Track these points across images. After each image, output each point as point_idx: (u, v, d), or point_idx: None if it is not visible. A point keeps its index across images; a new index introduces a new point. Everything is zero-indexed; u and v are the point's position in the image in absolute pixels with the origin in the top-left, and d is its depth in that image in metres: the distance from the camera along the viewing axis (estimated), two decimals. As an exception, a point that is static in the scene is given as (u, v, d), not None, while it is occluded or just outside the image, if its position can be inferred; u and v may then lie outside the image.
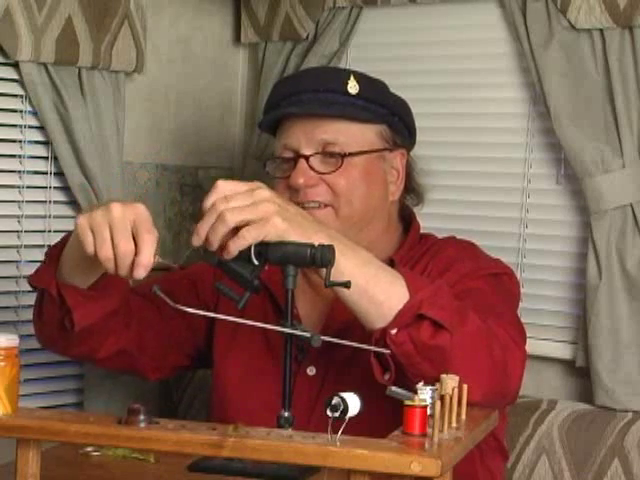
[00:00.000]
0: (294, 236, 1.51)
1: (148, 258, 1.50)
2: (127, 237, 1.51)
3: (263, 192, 1.54)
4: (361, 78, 1.94)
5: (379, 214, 1.91)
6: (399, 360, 1.55)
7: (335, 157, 1.87)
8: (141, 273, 1.50)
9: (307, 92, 1.91)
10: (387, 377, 1.57)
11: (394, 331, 1.53)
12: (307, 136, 1.88)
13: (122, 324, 1.86)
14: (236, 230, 1.51)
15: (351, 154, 1.87)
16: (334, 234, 1.58)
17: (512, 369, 1.64)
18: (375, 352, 1.56)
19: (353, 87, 1.91)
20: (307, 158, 1.87)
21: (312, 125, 1.88)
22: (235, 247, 1.50)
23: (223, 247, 1.51)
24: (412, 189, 2.01)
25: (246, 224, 1.50)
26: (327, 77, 1.97)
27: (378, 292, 1.55)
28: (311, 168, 1.86)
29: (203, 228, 1.51)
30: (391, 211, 1.96)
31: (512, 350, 1.65)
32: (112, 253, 1.52)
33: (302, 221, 1.56)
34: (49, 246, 1.89)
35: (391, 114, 1.94)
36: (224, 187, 1.53)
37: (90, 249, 1.54)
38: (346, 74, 1.95)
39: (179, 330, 1.98)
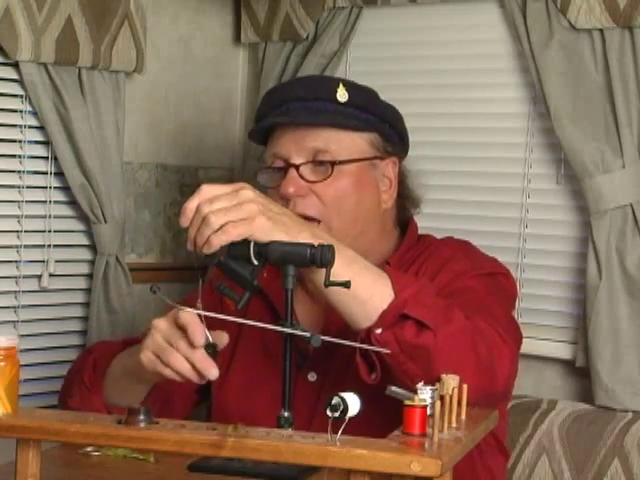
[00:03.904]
0: (279, 235, 1.52)
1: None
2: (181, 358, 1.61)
3: (247, 192, 1.54)
4: (350, 86, 1.93)
5: (371, 223, 1.90)
6: (384, 359, 1.55)
7: (325, 165, 1.86)
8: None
9: (296, 101, 1.90)
10: (373, 376, 1.57)
11: (379, 331, 1.54)
12: (297, 145, 1.87)
13: None
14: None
15: (341, 162, 1.86)
16: (318, 232, 1.59)
17: (499, 367, 1.64)
18: (361, 352, 1.56)
19: (342, 95, 1.90)
20: (297, 167, 1.86)
21: (302, 134, 1.87)
22: (217, 241, 1.51)
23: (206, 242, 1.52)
24: (407, 196, 2.00)
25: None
26: (316, 86, 1.96)
27: (362, 291, 1.54)
28: (301, 177, 1.85)
29: (191, 232, 1.53)
30: (385, 219, 1.94)
31: (499, 348, 1.64)
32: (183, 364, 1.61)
33: (286, 220, 1.56)
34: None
35: (381, 122, 1.93)
36: (208, 191, 1.54)
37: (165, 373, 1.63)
38: (335, 82, 1.94)
39: None
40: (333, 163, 1.86)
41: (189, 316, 1.58)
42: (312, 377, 1.85)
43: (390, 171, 1.93)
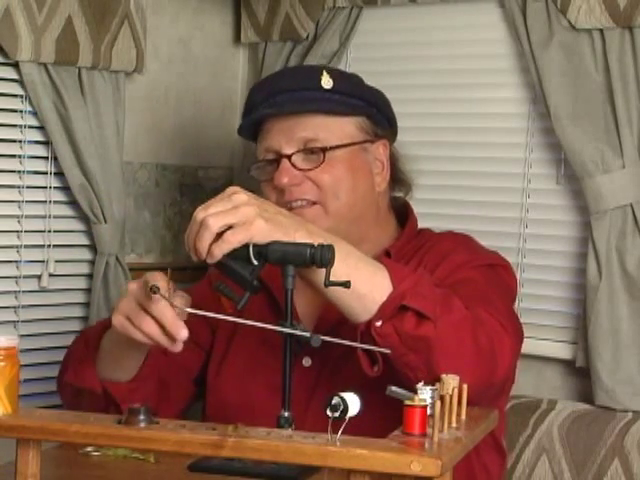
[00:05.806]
0: (278, 236, 1.52)
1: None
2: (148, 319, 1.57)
3: (241, 195, 1.54)
4: (334, 73, 1.95)
5: (367, 206, 1.91)
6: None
7: (317, 153, 1.87)
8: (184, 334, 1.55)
9: (282, 93, 1.91)
10: (375, 369, 1.57)
11: (379, 323, 1.53)
12: (286, 135, 1.88)
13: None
14: (220, 235, 1.51)
15: (332, 148, 1.87)
16: (313, 229, 1.58)
17: (500, 356, 1.63)
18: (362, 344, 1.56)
19: (327, 82, 1.91)
20: (289, 157, 1.87)
21: (290, 124, 1.88)
22: (220, 251, 1.50)
23: (208, 253, 1.52)
24: (398, 179, 2.01)
25: (229, 228, 1.51)
26: (300, 75, 1.97)
27: (360, 285, 1.54)
28: (294, 166, 1.86)
29: (190, 239, 1.53)
30: (379, 202, 1.95)
31: (500, 337, 1.64)
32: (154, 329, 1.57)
33: (283, 220, 1.56)
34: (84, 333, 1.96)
35: (368, 106, 1.94)
36: (201, 205, 1.54)
37: (137, 336, 1.60)
38: (319, 70, 1.95)
39: (188, 359, 1.92)
40: (324, 149, 1.87)
41: (158, 276, 1.56)
42: (307, 362, 1.85)
43: (381, 153, 1.95)
